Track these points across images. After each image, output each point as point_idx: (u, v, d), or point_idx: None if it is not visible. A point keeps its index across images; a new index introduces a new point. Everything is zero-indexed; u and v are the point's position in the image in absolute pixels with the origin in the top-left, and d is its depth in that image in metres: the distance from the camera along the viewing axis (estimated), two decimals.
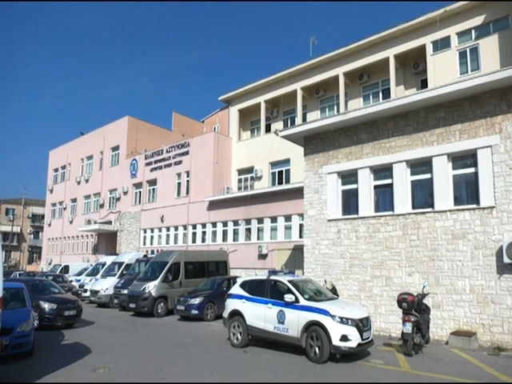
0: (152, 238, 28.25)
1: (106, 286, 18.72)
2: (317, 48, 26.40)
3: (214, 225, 24.06)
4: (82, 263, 29.60)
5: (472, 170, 10.63)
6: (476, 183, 10.47)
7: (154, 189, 28.97)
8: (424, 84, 18.77)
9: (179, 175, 26.94)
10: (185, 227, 25.81)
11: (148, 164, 29.25)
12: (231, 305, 10.41)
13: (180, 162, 26.84)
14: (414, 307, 9.25)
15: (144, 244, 28.59)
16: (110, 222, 31.32)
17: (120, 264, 20.33)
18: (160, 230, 27.60)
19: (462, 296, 10.25)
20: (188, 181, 26.29)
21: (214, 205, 24.00)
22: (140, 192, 29.98)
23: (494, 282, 9.83)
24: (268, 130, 25.09)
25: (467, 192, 10.78)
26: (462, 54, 17.83)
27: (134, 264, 19.37)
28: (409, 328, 8.88)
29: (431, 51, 18.49)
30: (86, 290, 20.01)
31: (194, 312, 14.15)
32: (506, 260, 9.44)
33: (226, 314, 10.55)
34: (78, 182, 36.15)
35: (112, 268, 20.51)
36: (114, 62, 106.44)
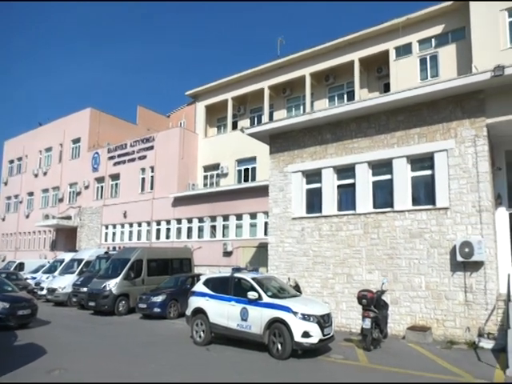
0: (114, 234, 27.55)
1: (63, 283, 18.07)
2: (284, 47, 26.71)
3: (179, 221, 23.80)
4: (38, 260, 28.34)
5: (429, 172, 11.10)
6: (433, 185, 10.95)
7: (116, 184, 28.23)
8: (387, 88, 19.39)
9: (143, 170, 26.42)
10: (148, 223, 25.35)
11: (111, 158, 28.46)
12: (194, 302, 10.36)
13: (144, 157, 26.31)
14: (373, 303, 9.56)
15: (106, 240, 27.84)
16: (69, 218, 30.22)
17: (79, 261, 19.70)
18: (123, 226, 26.98)
19: (418, 292, 10.71)
20: (152, 176, 25.82)
21: (178, 201, 23.72)
22: (102, 187, 29.13)
23: (448, 279, 10.34)
24: (235, 127, 25.06)
25: (424, 193, 11.25)
26: (423, 61, 18.58)
27: (94, 261, 18.82)
28: (368, 324, 9.18)
29: (394, 57, 19.15)
30: (42, 288, 19.20)
31: (157, 310, 13.96)
32: (459, 258, 9.95)
33: (188, 312, 10.49)
34: (36, 175, 34.61)
35: (71, 265, 19.84)
36: (76, 51, 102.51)
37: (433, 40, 18.35)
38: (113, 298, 15.04)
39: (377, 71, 20.08)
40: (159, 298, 14.11)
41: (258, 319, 8.97)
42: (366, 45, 19.81)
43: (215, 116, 26.89)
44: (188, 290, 11.98)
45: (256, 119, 24.79)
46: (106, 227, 28.05)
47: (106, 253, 19.05)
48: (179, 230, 23.78)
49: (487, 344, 9.33)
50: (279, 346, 8.55)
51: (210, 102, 26.41)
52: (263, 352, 8.90)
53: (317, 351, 8.85)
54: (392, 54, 19.17)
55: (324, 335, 8.66)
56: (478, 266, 9.97)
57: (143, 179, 26.38)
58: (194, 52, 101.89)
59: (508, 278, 10.18)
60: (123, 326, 12.93)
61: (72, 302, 17.24)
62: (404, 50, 18.90)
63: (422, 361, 8.41)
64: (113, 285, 15.24)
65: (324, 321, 8.77)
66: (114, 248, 22.63)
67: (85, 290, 16.20)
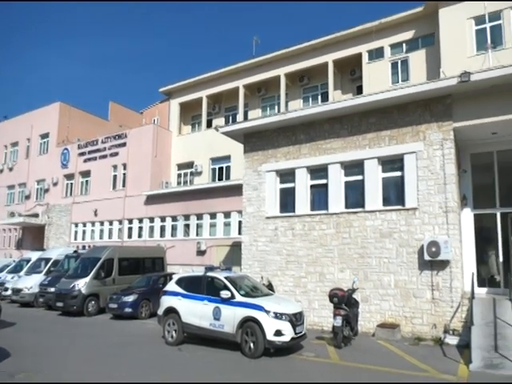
0: (84, 232, 26.88)
1: (30, 283, 17.48)
2: (260, 47, 26.79)
3: (152, 220, 23.46)
4: (3, 259, 27.30)
5: (399, 173, 11.41)
6: (402, 186, 11.26)
7: (87, 181, 27.54)
8: (360, 90, 19.75)
9: (115, 167, 25.87)
10: (120, 222, 24.86)
11: (81, 154, 27.73)
12: (166, 302, 10.26)
13: (116, 154, 25.78)
14: (345, 302, 9.75)
15: (75, 239, 27.09)
16: (36, 215, 29.21)
17: (47, 260, 19.11)
18: (93, 224, 26.34)
19: (388, 291, 11.00)
20: (125, 174, 25.33)
21: (151, 199, 23.38)
22: (72, 184, 28.34)
23: (416, 278, 10.66)
24: (209, 125, 24.91)
25: (394, 194, 11.55)
26: (394, 65, 19.07)
27: (62, 260, 18.32)
28: (339, 321, 9.35)
29: (367, 60, 19.56)
30: (6, 289, 18.52)
31: (128, 310, 13.73)
32: (426, 257, 10.29)
33: (160, 312, 10.38)
34: (1, 171, 33.27)
35: (38, 264, 19.22)
36: (45, 44, 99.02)
37: (404, 45, 18.85)
38: (82, 298, 14.69)
39: (350, 73, 20.44)
40: (130, 298, 13.89)
41: (230, 318, 8.98)
42: (340, 47, 20.13)
43: (189, 114, 26.65)
44: (160, 290, 11.85)
45: (231, 118, 24.73)
46: (76, 225, 27.33)
47: (76, 252, 18.58)
48: (152, 229, 23.45)
49: (452, 340, 9.68)
50: (251, 345, 8.59)
51: (184, 100, 26.15)
52: (236, 351, 8.92)
53: (289, 349, 8.94)
54: (365, 57, 19.57)
55: (296, 333, 8.76)
56: (444, 264, 10.33)
57: (115, 176, 25.85)
58: (169, 49, 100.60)
59: (472, 277, 10.62)
60: (93, 326, 12.65)
61: (39, 303, 16.71)
62: (376, 54, 19.35)
63: (390, 357, 8.65)
64: (82, 284, 14.89)
65: (296, 319, 8.87)
66: (84, 247, 22.10)
67: (52, 290, 15.75)
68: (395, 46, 19.03)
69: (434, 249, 10.18)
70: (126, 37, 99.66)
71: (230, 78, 23.85)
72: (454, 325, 9.99)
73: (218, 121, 24.40)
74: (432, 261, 10.32)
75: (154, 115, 28.65)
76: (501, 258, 11.51)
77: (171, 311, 10.05)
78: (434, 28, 17.43)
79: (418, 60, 18.33)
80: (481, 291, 11.27)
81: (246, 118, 22.07)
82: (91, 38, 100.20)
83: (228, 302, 9.13)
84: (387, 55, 19.14)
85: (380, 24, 18.75)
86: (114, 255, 16.15)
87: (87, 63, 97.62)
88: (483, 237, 11.98)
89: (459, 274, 10.38)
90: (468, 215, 11.99)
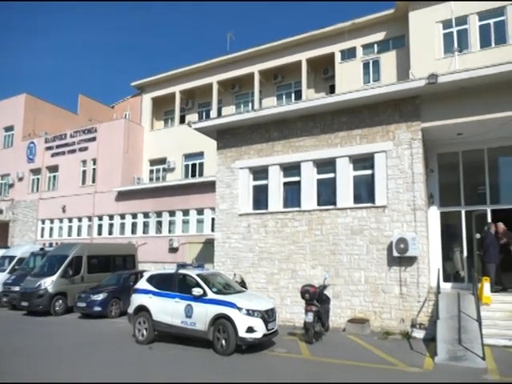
0: (52, 229, 26.04)
1: None
2: (234, 44, 26.69)
3: (123, 216, 23.01)
4: None
5: (370, 171, 11.65)
6: (372, 184, 11.51)
7: (55, 176, 26.69)
8: (332, 89, 20.02)
9: (84, 162, 25.19)
10: (90, 218, 24.25)
11: (49, 148, 26.82)
12: (137, 300, 10.10)
13: (86, 149, 25.09)
14: (316, 298, 9.88)
15: (42, 236, 26.22)
16: (0, 211, 28.09)
17: (11, 258, 18.39)
18: (61, 220, 25.56)
19: (358, 286, 11.23)
20: (94, 169, 24.70)
21: (122, 195, 22.91)
22: (38, 179, 27.38)
23: (385, 274, 10.94)
24: (182, 121, 24.63)
25: (365, 191, 11.79)
26: (366, 65, 19.44)
27: (28, 258, 17.69)
28: (310, 317, 9.48)
29: (339, 59, 19.84)
30: None
31: (97, 309, 13.43)
32: (395, 254, 10.57)
33: (130, 310, 10.21)
34: None
35: (1, 262, 18.45)
36: (9, 32, 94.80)
37: (375, 46, 19.24)
38: (48, 297, 14.25)
39: (323, 72, 20.67)
40: (100, 296, 13.59)
41: (202, 316, 8.94)
42: (314, 46, 20.33)
43: (162, 109, 26.25)
44: (131, 288, 11.65)
45: (204, 114, 24.54)
46: (43, 222, 26.45)
47: (42, 249, 18.01)
48: (123, 226, 23.01)
49: (419, 334, 10.00)
50: (223, 342, 8.58)
51: (157, 95, 25.73)
52: (208, 349, 8.89)
53: (261, 346, 8.99)
54: (337, 57, 19.84)
55: (268, 330, 8.82)
56: (411, 261, 10.65)
57: (84, 172, 25.17)
58: (142, 42, 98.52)
59: (438, 272, 11.01)
60: (60, 326, 12.30)
61: (2, 303, 16.09)
62: (349, 54, 19.64)
63: (359, 351, 8.85)
64: (49, 283, 14.45)
65: (268, 316, 8.93)
66: (51, 244, 21.44)
67: (17, 289, 15.21)
68: (367, 47, 19.40)
69: (402, 245, 10.47)
70: (98, 28, 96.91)
71: (204, 74, 23.65)
72: (421, 319, 10.32)
73: (192, 117, 24.16)
74: (400, 257, 10.62)
75: (125, 110, 28.04)
76: (465, 254, 11.99)
77: (142, 309, 9.89)
78: (405, 30, 17.87)
79: (388, 61, 18.75)
80: (446, 286, 11.69)
81: (219, 115, 21.93)
82: (61, 28, 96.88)
83: (200, 299, 9.08)
84: (359, 55, 19.48)
85: (352, 24, 19.04)
86: (82, 253, 15.75)
87: (56, 54, 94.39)
88: (449, 234, 12.44)
89: (426, 270, 10.73)
90: (435, 213, 12.40)
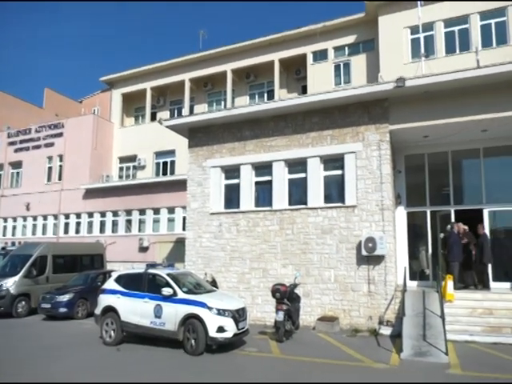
0: (14, 228, 25.04)
1: None
2: (207, 42, 26.47)
3: (91, 215, 22.41)
4: None
5: (340, 172, 11.85)
6: (342, 184, 11.71)
7: (18, 172, 25.69)
8: (304, 90, 20.25)
9: (50, 159, 24.37)
10: (56, 217, 23.47)
11: (11, 144, 25.78)
12: (104, 300, 9.86)
13: (52, 144, 24.27)
14: (287, 296, 9.95)
15: (4, 235, 25.15)
16: None
17: None
18: (25, 219, 24.62)
19: (328, 285, 11.40)
20: (61, 166, 23.95)
21: (90, 193, 22.30)
22: (0, 175, 26.26)
23: (354, 272, 11.16)
24: (154, 118, 24.22)
25: (335, 191, 11.97)
26: (337, 67, 19.79)
27: None
28: (281, 316, 9.54)
29: (311, 61, 20.10)
30: None
31: (63, 310, 13.01)
32: (364, 253, 10.80)
33: (98, 311, 9.96)
34: None
35: None
36: None
37: (346, 48, 19.61)
38: (10, 298, 13.70)
39: (295, 73, 20.86)
40: (66, 297, 13.17)
41: (172, 316, 8.83)
42: (286, 46, 20.50)
43: (133, 105, 25.74)
44: (99, 288, 11.36)
45: (176, 111, 24.25)
46: (5, 220, 25.39)
47: (4, 248, 17.34)
48: (91, 224, 22.42)
49: (386, 331, 10.27)
50: (193, 342, 8.51)
51: (127, 91, 25.21)
52: (178, 349, 8.78)
53: (232, 345, 8.96)
54: (309, 58, 20.09)
55: (239, 329, 8.82)
56: (379, 259, 10.91)
57: (50, 168, 24.36)
58: (113, 37, 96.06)
59: (404, 271, 11.33)
60: (23, 328, 11.84)
61: None
62: (320, 56, 19.94)
63: (328, 349, 8.99)
64: (10, 284, 13.89)
65: (239, 315, 8.92)
66: (14, 243, 20.63)
67: None
68: (338, 49, 19.75)
69: (370, 244, 10.71)
70: (66, 20, 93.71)
71: (176, 71, 23.36)
72: (388, 316, 10.60)
73: (163, 114, 23.81)
74: (369, 256, 10.86)
75: (94, 105, 27.33)
76: (430, 253, 12.41)
77: (109, 310, 9.66)
78: (374, 34, 18.29)
79: (359, 64, 19.14)
80: (412, 284, 12.06)
81: (191, 113, 21.76)
82: (26, 18, 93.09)
83: (170, 299, 8.96)
84: (331, 57, 19.79)
85: (324, 27, 19.33)
86: (47, 252, 15.24)
87: (21, 46, 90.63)
88: (415, 233, 12.84)
89: (393, 269, 11.03)
90: (401, 213, 12.76)
